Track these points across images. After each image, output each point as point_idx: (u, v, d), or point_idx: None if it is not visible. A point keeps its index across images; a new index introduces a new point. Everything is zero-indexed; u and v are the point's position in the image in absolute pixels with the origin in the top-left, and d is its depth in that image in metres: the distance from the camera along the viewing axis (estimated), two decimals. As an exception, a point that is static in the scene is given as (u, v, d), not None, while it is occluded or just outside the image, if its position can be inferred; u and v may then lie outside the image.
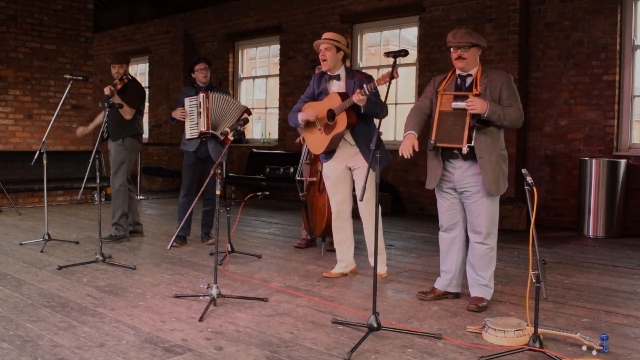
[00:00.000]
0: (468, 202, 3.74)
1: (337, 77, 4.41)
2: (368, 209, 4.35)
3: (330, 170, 4.51)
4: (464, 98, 3.64)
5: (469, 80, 3.74)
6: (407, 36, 9.66)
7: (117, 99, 5.66)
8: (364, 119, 4.34)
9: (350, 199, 4.56)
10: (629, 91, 6.96)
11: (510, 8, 7.39)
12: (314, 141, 4.51)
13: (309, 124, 4.51)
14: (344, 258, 4.59)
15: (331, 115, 4.30)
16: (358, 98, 4.03)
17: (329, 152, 4.46)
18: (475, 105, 3.54)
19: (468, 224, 3.80)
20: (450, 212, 3.86)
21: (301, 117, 4.47)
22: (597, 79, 7.05)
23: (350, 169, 4.46)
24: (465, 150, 3.58)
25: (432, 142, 3.68)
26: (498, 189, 3.66)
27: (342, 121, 4.24)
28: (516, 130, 7.36)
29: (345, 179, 4.49)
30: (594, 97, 7.09)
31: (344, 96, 4.24)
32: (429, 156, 3.85)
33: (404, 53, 3.42)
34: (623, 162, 6.71)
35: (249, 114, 5.76)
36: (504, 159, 3.72)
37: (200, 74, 5.73)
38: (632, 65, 6.93)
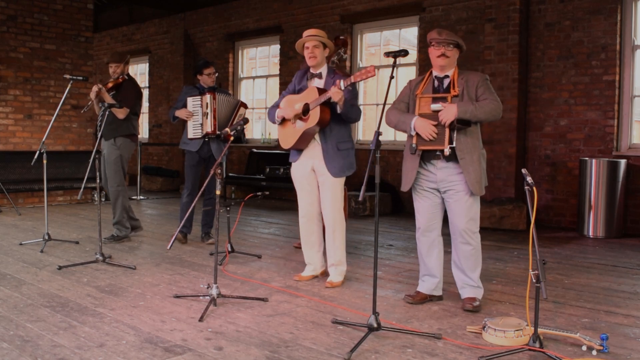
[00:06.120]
0: (451, 201, 3.71)
1: (319, 75, 4.31)
2: (333, 214, 4.26)
3: (297, 171, 4.39)
4: (442, 100, 3.63)
5: (446, 82, 3.73)
6: (407, 36, 9.66)
7: (107, 99, 5.59)
8: (340, 122, 4.25)
9: (318, 201, 4.38)
10: (629, 91, 6.96)
11: (510, 8, 7.39)
12: (285, 135, 4.37)
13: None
14: (312, 261, 4.46)
15: (306, 109, 4.19)
16: (334, 91, 3.94)
17: (298, 150, 4.35)
18: (446, 116, 3.54)
19: (450, 224, 3.77)
20: (431, 212, 3.81)
21: (278, 113, 4.37)
22: (597, 79, 7.05)
23: (314, 171, 4.31)
24: (447, 152, 3.58)
25: (414, 145, 3.66)
26: (481, 188, 3.66)
27: (314, 116, 4.11)
28: (516, 130, 7.37)
29: (312, 180, 4.34)
30: (594, 97, 7.09)
31: (321, 91, 4.12)
32: (405, 158, 3.80)
33: (403, 53, 3.41)
34: (623, 162, 6.71)
35: (245, 107, 5.76)
36: (484, 158, 3.74)
37: (209, 79, 5.74)
38: (632, 65, 6.93)
